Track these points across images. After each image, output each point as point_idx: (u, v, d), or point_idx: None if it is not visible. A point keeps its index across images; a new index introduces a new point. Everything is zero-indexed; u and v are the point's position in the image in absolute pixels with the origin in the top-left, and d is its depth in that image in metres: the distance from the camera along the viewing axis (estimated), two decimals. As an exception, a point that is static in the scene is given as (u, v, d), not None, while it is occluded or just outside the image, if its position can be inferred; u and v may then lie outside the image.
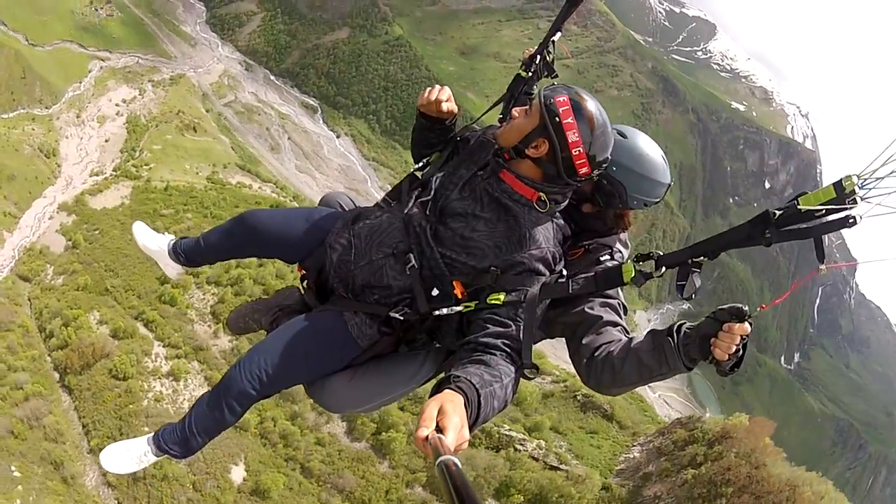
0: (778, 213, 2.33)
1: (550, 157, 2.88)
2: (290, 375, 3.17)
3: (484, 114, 3.96)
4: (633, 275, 2.71)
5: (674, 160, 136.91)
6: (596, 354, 2.95)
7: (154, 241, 3.88)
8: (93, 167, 77.68)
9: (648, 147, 3.23)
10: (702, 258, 2.58)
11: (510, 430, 35.45)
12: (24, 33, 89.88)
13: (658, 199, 3.28)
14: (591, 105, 2.82)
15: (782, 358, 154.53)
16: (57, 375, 42.98)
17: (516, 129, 2.96)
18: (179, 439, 3.32)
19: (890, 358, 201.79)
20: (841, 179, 2.15)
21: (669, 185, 3.26)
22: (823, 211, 2.22)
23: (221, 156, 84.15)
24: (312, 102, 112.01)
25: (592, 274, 2.90)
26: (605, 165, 2.93)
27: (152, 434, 3.39)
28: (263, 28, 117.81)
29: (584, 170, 2.85)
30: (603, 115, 2.84)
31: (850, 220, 2.17)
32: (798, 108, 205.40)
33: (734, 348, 2.45)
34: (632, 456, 35.38)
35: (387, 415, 34.26)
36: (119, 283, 50.65)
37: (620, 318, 3.10)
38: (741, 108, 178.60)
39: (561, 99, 2.82)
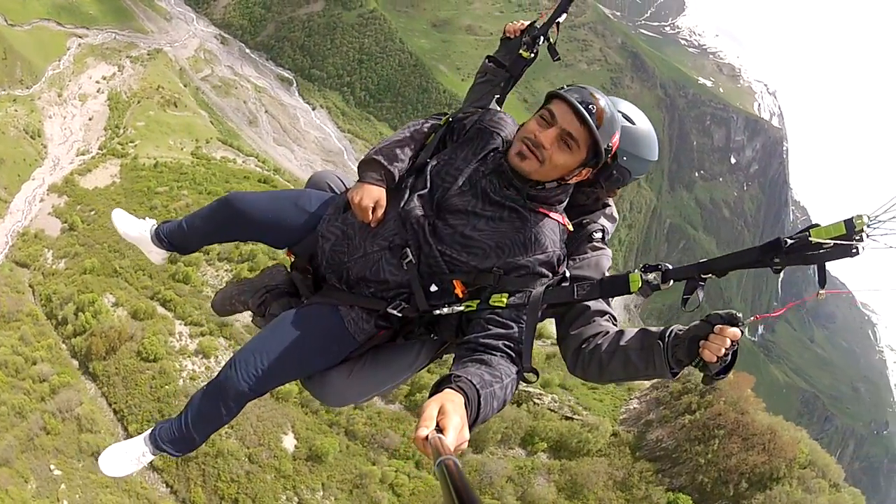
0: (790, 241, 2.38)
1: (591, 175, 2.95)
2: (287, 373, 3.12)
3: (471, 95, 3.79)
4: (639, 285, 2.67)
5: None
6: (584, 346, 2.93)
7: (135, 228, 3.74)
8: (79, 146, 75.89)
9: (650, 129, 3.24)
10: (709, 275, 2.58)
11: (528, 385, 36.92)
12: (3, 14, 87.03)
13: (643, 175, 3.35)
14: (606, 107, 2.80)
15: (747, 330, 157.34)
16: (76, 363, 41.83)
17: (563, 167, 2.83)
18: (177, 438, 3.31)
19: (855, 333, 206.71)
20: (852, 218, 2.24)
21: (656, 161, 3.33)
22: (832, 244, 2.29)
23: (203, 131, 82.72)
24: (288, 75, 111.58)
25: (598, 281, 2.87)
26: (615, 154, 2.95)
27: (148, 434, 3.37)
28: (238, 1, 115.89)
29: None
30: (611, 109, 2.83)
31: (853, 251, 2.26)
32: (766, 85, 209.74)
33: (723, 351, 2.43)
34: (632, 407, 37.28)
35: (418, 377, 34.20)
36: (128, 264, 49.21)
37: (609, 305, 3.07)
38: (708, 83, 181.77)
39: (616, 140, 2.84)
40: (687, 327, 2.61)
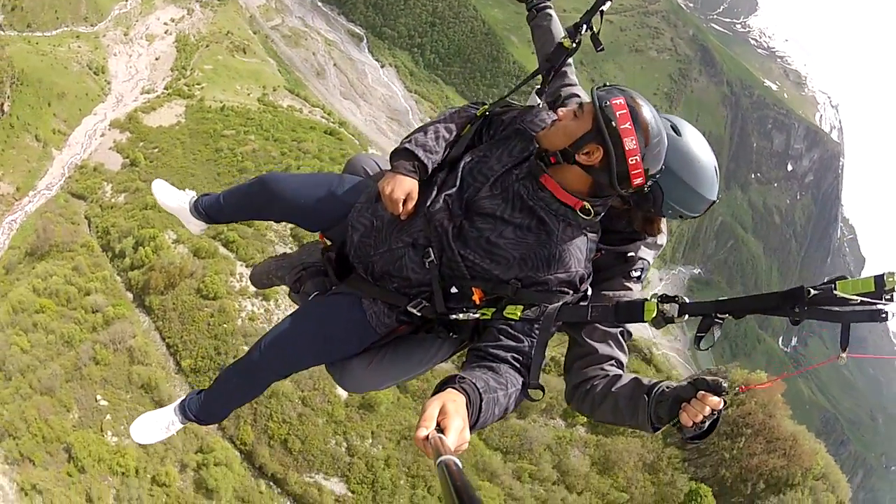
0: (814, 291, 2.25)
1: (604, 166, 2.62)
2: (309, 359, 3.20)
3: (519, 86, 3.63)
4: (654, 315, 2.58)
5: (704, 128, 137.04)
6: (581, 384, 2.95)
7: (175, 199, 3.80)
8: (144, 85, 76.08)
9: (702, 151, 2.85)
10: (726, 315, 2.48)
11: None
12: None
13: (697, 215, 2.94)
14: (648, 112, 2.57)
15: (780, 339, 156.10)
16: (130, 296, 42.10)
17: (564, 131, 2.69)
18: (205, 412, 3.51)
19: (884, 363, 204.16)
20: (883, 275, 2.13)
21: (713, 202, 2.90)
22: (858, 300, 2.17)
23: (270, 78, 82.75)
24: (358, 31, 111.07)
25: (613, 305, 2.73)
26: (657, 177, 2.68)
27: (178, 404, 3.56)
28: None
29: (638, 181, 2.61)
30: (659, 124, 2.60)
31: (882, 315, 2.15)
32: (829, 97, 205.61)
33: (700, 418, 2.42)
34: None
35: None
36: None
37: (618, 350, 3.00)
38: (774, 87, 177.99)
39: (618, 102, 2.55)
40: (675, 386, 2.59)
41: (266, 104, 73.71)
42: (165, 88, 75.56)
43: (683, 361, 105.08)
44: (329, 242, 3.38)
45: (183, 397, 3.58)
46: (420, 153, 2.98)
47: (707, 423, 2.48)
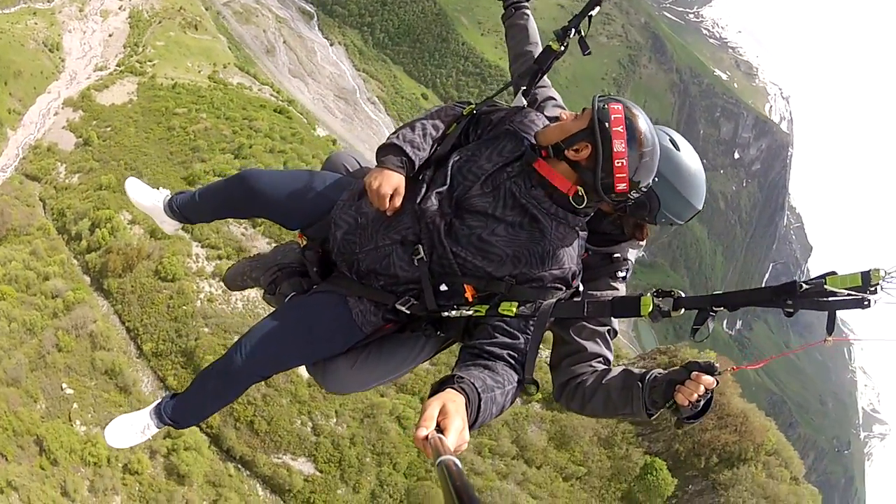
0: (805, 286, 2.39)
1: (590, 164, 2.67)
2: (291, 359, 3.14)
3: (505, 87, 3.66)
4: (650, 309, 2.61)
5: (650, 115, 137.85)
6: (570, 380, 3.01)
7: (148, 198, 3.73)
8: (97, 62, 74.31)
9: (696, 166, 3.00)
10: (721, 308, 2.56)
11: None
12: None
13: (683, 223, 3.09)
14: (643, 124, 2.65)
15: (725, 322, 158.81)
16: (88, 279, 41.35)
17: (561, 128, 2.75)
18: (181, 414, 3.36)
19: (830, 348, 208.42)
20: (869, 271, 2.30)
21: (698, 211, 3.04)
22: (846, 293, 2.32)
23: (221, 55, 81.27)
24: (309, 9, 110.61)
25: (609, 301, 2.79)
26: (644, 189, 2.73)
27: (153, 407, 3.41)
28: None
29: (621, 186, 2.65)
30: (654, 138, 2.67)
31: (865, 303, 2.29)
32: (780, 89, 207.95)
33: (696, 397, 2.53)
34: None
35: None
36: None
37: (606, 348, 3.08)
38: (724, 76, 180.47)
39: (615, 107, 2.64)
40: (666, 371, 2.70)
41: (216, 81, 72.47)
42: (118, 65, 73.73)
43: (628, 343, 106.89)
44: (307, 241, 3.35)
45: (158, 400, 3.45)
46: (408, 149, 2.96)
47: (702, 403, 2.60)
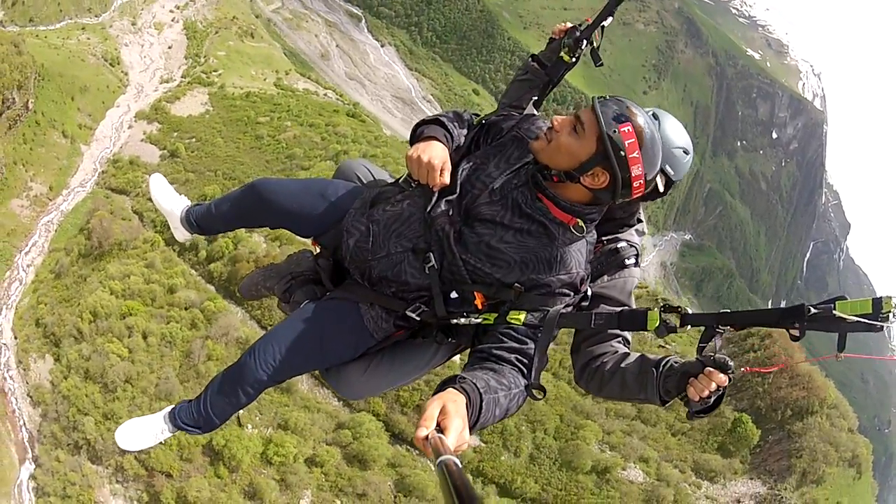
0: (814, 310, 2.33)
1: (609, 188, 2.63)
2: (304, 365, 3.14)
3: (510, 99, 3.51)
4: (657, 324, 2.60)
5: (691, 99, 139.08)
6: (591, 362, 3.01)
7: (170, 202, 3.73)
8: (161, 74, 75.33)
9: (680, 138, 3.03)
10: (727, 327, 2.55)
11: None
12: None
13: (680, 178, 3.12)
14: (648, 130, 2.57)
15: (770, 302, 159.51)
16: (213, 288, 41.36)
17: (567, 151, 2.64)
18: (195, 420, 3.35)
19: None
20: (881, 298, 2.21)
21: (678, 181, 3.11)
22: (855, 320, 2.26)
23: (281, 62, 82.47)
24: (356, 11, 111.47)
25: (617, 314, 2.76)
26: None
27: (168, 411, 3.40)
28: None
29: (639, 193, 2.65)
30: (655, 137, 2.60)
31: (878, 328, 2.23)
32: (811, 66, 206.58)
33: (706, 393, 2.49)
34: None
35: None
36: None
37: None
38: (756, 56, 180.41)
39: (626, 130, 2.53)
40: (683, 361, 2.65)
41: (283, 88, 73.19)
42: (183, 76, 74.63)
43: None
44: (320, 249, 3.33)
45: (173, 405, 3.43)
46: (451, 126, 2.97)
47: (713, 399, 2.53)
